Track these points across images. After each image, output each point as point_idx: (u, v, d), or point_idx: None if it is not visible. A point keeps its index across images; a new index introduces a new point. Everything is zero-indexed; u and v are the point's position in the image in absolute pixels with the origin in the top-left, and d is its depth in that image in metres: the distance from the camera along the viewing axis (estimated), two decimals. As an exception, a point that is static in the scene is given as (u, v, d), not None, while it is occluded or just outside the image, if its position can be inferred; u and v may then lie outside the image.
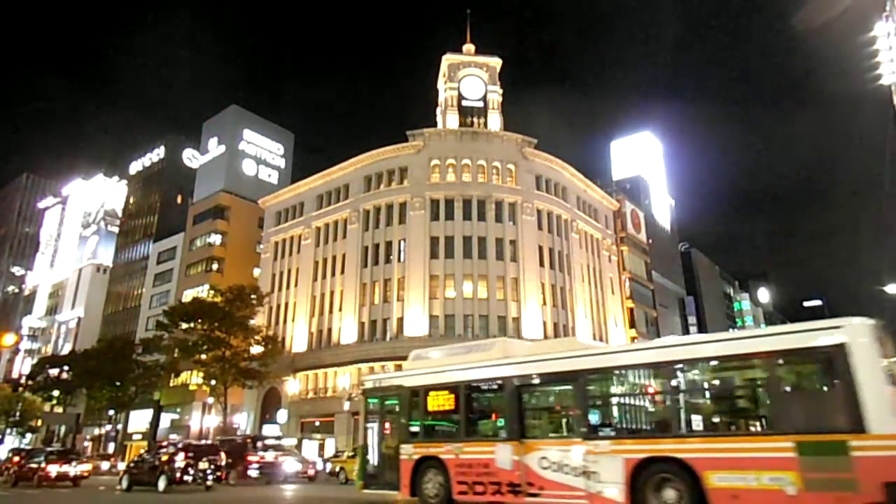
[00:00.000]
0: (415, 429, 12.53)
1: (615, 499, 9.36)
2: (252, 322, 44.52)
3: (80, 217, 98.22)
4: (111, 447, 59.68)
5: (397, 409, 12.95)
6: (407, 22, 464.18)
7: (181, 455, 19.10)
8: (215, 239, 65.38)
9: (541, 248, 48.11)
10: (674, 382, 9.62)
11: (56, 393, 55.48)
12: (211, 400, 48.62)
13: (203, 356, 42.34)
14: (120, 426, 60.63)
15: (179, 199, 78.74)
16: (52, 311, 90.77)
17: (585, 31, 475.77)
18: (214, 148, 72.77)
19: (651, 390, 10.19)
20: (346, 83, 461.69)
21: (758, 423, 8.99)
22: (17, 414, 60.61)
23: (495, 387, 11.80)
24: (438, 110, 56.55)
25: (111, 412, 56.73)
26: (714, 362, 9.59)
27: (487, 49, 57.41)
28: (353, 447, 29.16)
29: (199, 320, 42.44)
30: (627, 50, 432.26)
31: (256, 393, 49.18)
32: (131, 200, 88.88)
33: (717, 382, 9.82)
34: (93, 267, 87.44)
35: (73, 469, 24.01)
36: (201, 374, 46.12)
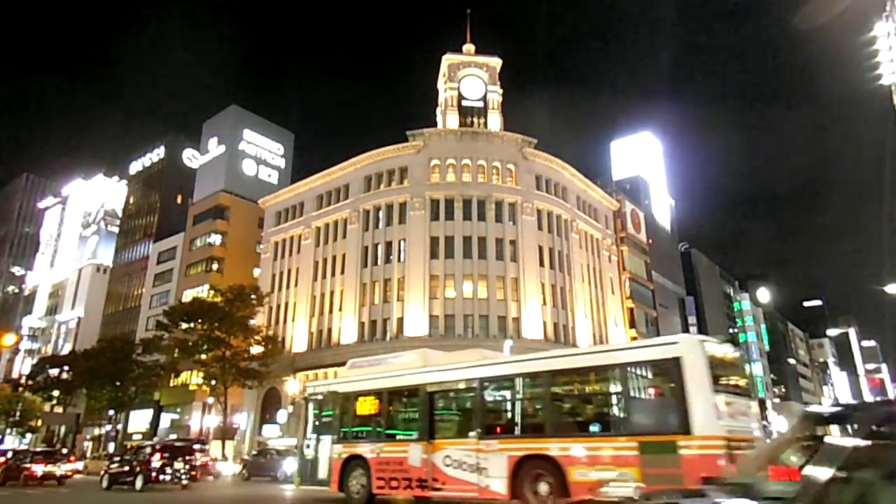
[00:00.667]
0: (345, 430, 13.88)
1: (500, 491, 10.54)
2: (252, 322, 44.53)
3: (80, 217, 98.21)
4: (111, 447, 59.64)
5: (331, 412, 14.24)
6: (407, 22, 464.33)
7: (157, 455, 20.08)
8: (215, 239, 65.38)
9: (541, 248, 48.10)
10: (546, 390, 10.94)
11: (56, 393, 55.46)
12: (211, 400, 48.63)
13: (203, 356, 42.36)
14: (120, 426, 60.59)
15: (179, 199, 78.73)
16: (52, 311, 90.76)
17: (585, 32, 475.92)
18: (214, 148, 72.76)
19: (529, 396, 11.47)
20: (346, 83, 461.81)
21: (611, 426, 10.13)
22: (17, 414, 60.58)
23: (410, 393, 13.11)
24: (438, 110, 56.55)
25: (111, 412, 56.70)
26: (577, 373, 10.97)
27: (487, 49, 57.48)
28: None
29: (199, 320, 42.44)
30: (627, 50, 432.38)
31: (256, 393, 49.17)
32: (131, 200, 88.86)
33: (579, 390, 11.06)
34: (93, 267, 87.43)
35: (58, 469, 24.43)
36: (201, 374, 46.14)
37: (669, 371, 9.36)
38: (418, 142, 49.11)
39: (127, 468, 20.78)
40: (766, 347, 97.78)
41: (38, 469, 23.88)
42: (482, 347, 42.23)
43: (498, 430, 11.39)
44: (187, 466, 20.34)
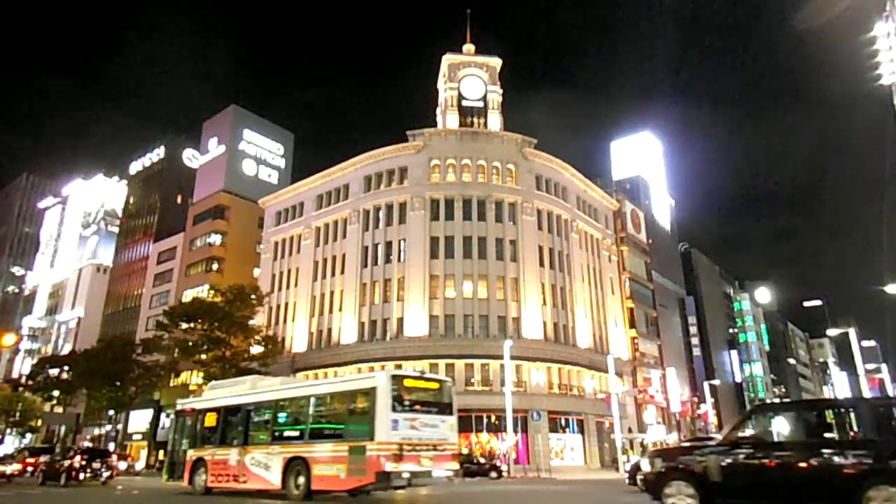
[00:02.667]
0: (196, 438, 17.51)
1: (276, 483, 14.17)
2: (252, 322, 44.47)
3: (80, 217, 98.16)
4: (111, 447, 59.63)
5: (189, 424, 18.00)
6: (407, 22, 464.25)
7: (77, 457, 24.25)
8: (215, 239, 65.36)
9: (541, 248, 48.09)
10: (303, 409, 14.89)
11: (56, 393, 55.37)
12: (211, 400, 48.52)
13: (203, 356, 42.31)
14: (120, 426, 60.58)
15: (179, 199, 78.71)
16: (52, 311, 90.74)
17: (586, 32, 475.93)
18: (214, 148, 72.73)
19: (293, 413, 15.34)
20: (346, 83, 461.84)
21: (336, 436, 13.71)
22: (17, 414, 60.56)
23: (235, 411, 16.69)
24: (438, 110, 56.54)
25: (111, 412, 56.66)
26: (319, 397, 14.88)
27: (487, 49, 57.73)
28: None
29: (199, 320, 42.39)
30: (627, 50, 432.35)
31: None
32: (131, 200, 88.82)
33: (320, 410, 14.73)
34: (93, 267, 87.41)
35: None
36: (201, 374, 46.09)
37: (368, 397, 13.11)
38: (418, 142, 49.11)
39: (56, 467, 24.72)
40: (766, 347, 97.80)
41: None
42: (482, 347, 42.62)
43: (279, 438, 15.03)
44: (105, 466, 24.54)
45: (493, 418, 41.29)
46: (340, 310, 48.31)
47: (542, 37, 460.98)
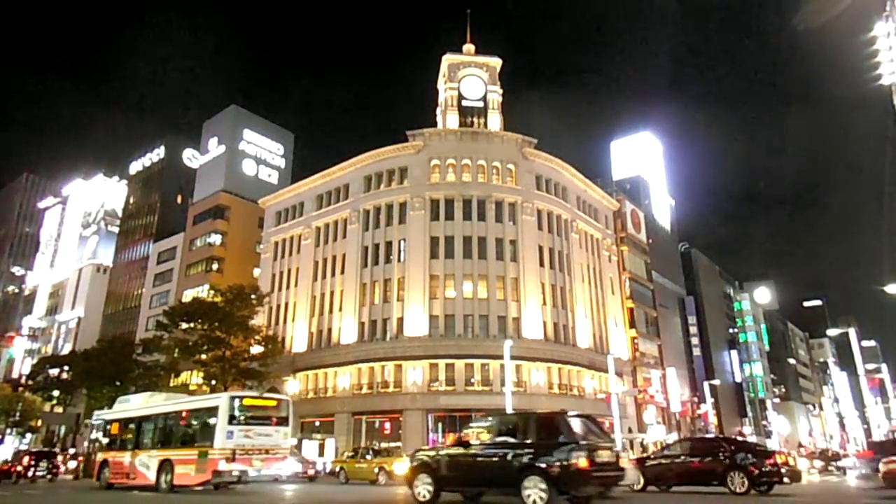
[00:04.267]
0: (105, 443, 21.23)
1: (153, 479, 17.58)
2: (252, 322, 44.43)
3: (80, 217, 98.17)
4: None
5: (103, 432, 21.58)
6: (407, 22, 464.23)
7: (26, 458, 29.19)
8: (215, 239, 65.35)
9: (541, 248, 48.09)
10: (171, 421, 18.56)
11: (56, 393, 55.37)
12: (211, 400, 48.52)
13: (203, 356, 42.27)
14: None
15: (179, 199, 78.74)
16: (52, 311, 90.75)
17: (585, 32, 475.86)
18: (214, 148, 72.75)
19: (166, 425, 18.72)
20: (346, 83, 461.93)
21: (192, 442, 17.22)
22: (17, 414, 60.51)
23: (130, 421, 20.38)
24: (438, 110, 56.52)
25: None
26: (180, 413, 18.40)
27: (487, 49, 57.57)
28: (352, 449, 33.43)
29: (199, 320, 42.35)
30: (627, 50, 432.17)
31: (256, 393, 49.05)
32: (131, 200, 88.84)
33: (180, 422, 18.23)
34: (93, 267, 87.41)
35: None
36: (201, 374, 46.06)
37: (213, 413, 16.65)
38: (418, 142, 49.10)
39: (10, 469, 29.65)
40: (766, 347, 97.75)
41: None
42: (482, 347, 42.63)
43: (157, 444, 18.54)
44: (50, 465, 29.39)
45: (493, 418, 41.23)
46: (340, 310, 48.29)
47: (542, 37, 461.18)
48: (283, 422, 17.65)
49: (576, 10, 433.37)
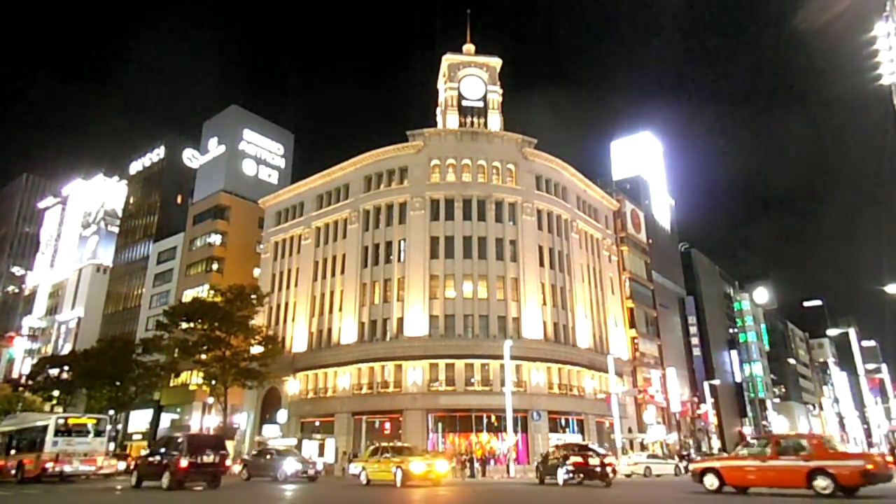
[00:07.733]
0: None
1: (14, 473, 23.31)
2: (252, 322, 44.48)
3: (80, 217, 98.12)
4: (111, 447, 59.56)
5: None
6: (407, 22, 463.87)
7: None
8: (215, 239, 65.33)
9: (541, 248, 48.07)
10: (28, 433, 24.37)
11: (56, 393, 55.41)
12: (211, 400, 48.60)
13: (203, 356, 42.35)
14: (120, 426, 60.57)
15: (179, 199, 78.69)
16: (52, 311, 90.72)
17: (585, 32, 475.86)
18: (214, 148, 72.73)
19: (25, 435, 24.55)
20: (346, 83, 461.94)
21: (36, 449, 23.02)
22: (17, 414, 60.48)
23: (9, 434, 25.71)
24: (438, 110, 56.50)
25: (111, 412, 56.58)
26: (30, 427, 24.36)
27: (487, 49, 57.43)
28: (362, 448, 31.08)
29: (199, 320, 42.43)
30: (628, 50, 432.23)
31: (256, 393, 49.16)
32: (131, 200, 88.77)
33: (31, 434, 24.14)
34: (93, 267, 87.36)
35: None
36: (201, 374, 46.12)
37: (45, 428, 23.07)
38: (418, 142, 49.09)
39: None
40: (766, 347, 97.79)
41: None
42: (482, 347, 42.98)
43: (21, 449, 24.13)
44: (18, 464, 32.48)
45: (493, 418, 41.27)
46: (340, 310, 48.28)
47: (542, 37, 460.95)
48: (100, 434, 24.10)
49: (576, 11, 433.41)
